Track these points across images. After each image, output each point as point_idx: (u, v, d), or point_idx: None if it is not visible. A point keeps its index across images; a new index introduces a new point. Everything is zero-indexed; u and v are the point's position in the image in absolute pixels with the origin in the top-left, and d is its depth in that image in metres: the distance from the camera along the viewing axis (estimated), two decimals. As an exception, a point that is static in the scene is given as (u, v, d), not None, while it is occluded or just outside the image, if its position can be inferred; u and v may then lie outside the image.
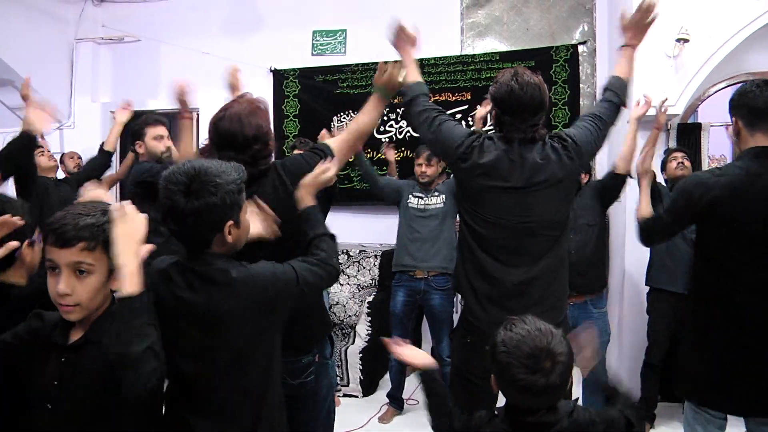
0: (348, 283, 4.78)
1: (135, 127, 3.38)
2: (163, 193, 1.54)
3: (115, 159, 5.77)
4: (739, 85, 4.37)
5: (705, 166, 4.21)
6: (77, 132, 5.70)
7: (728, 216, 2.05)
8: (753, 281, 2.04)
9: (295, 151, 3.97)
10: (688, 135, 4.21)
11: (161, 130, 3.33)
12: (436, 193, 3.91)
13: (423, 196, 3.92)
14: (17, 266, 1.75)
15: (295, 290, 1.65)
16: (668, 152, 3.79)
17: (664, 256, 3.66)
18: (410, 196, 3.96)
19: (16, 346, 1.44)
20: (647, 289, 3.81)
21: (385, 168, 5.17)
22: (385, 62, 2.29)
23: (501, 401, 2.15)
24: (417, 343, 5.05)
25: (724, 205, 2.04)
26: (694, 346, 2.20)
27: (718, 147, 6.48)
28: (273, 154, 2.13)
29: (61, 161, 4.83)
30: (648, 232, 2.37)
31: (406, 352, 1.84)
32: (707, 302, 2.15)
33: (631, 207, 3.96)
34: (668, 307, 3.59)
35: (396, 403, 4.07)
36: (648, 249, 3.72)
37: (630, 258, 4.04)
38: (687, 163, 3.66)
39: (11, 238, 1.70)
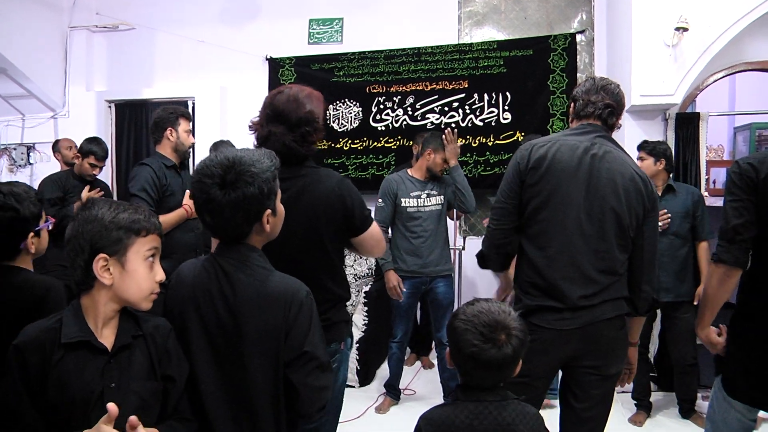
0: (344, 273, 4.76)
1: (167, 115, 3.28)
2: (198, 186, 1.50)
3: (111, 154, 5.76)
4: (738, 74, 4.38)
5: (703, 156, 4.19)
6: (71, 121, 5.65)
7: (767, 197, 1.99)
8: None
9: None
10: (687, 124, 4.19)
11: (190, 125, 3.35)
12: (434, 192, 3.83)
13: (420, 193, 3.82)
14: (23, 255, 1.80)
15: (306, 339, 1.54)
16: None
17: None
18: (405, 198, 3.83)
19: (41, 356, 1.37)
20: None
21: (381, 156, 5.17)
22: None
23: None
24: (428, 331, 4.99)
25: (767, 184, 1.98)
26: (736, 337, 2.15)
27: (716, 137, 6.47)
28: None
29: (57, 149, 4.79)
30: (735, 255, 2.08)
31: None
32: (750, 290, 2.11)
33: None
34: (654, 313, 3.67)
35: (393, 393, 4.06)
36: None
37: None
38: (638, 163, 3.68)
39: (16, 227, 1.74)
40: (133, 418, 1.28)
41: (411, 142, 4.59)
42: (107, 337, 1.41)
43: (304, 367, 1.52)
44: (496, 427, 1.52)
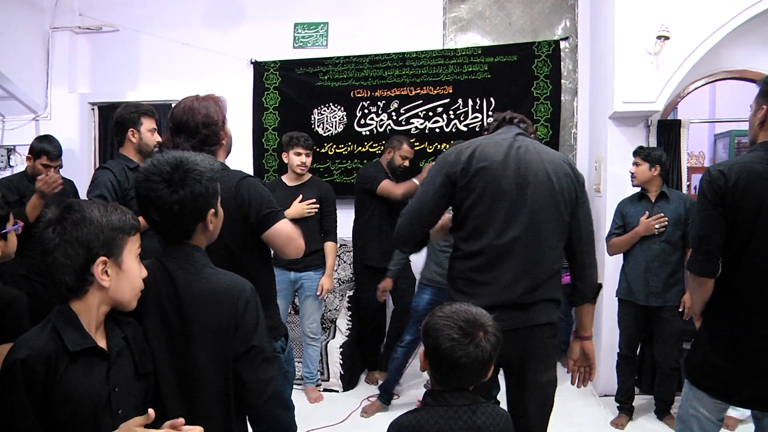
0: (329, 278, 4.75)
1: (128, 114, 3.09)
2: (144, 185, 1.54)
3: (95, 157, 5.71)
4: (717, 82, 4.44)
5: (684, 163, 4.24)
6: (54, 123, 5.57)
7: (736, 202, 2.02)
8: (751, 268, 2.04)
9: (292, 153, 3.98)
10: (668, 131, 4.25)
11: (154, 123, 3.17)
12: None
13: None
14: None
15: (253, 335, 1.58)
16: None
17: (625, 269, 3.78)
18: None
19: (49, 363, 1.33)
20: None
21: (365, 161, 5.17)
22: None
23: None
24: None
25: (736, 190, 2.01)
26: (704, 334, 2.21)
27: (696, 143, 6.56)
28: (226, 149, 2.26)
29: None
30: (702, 265, 2.13)
31: None
32: (723, 292, 2.15)
33: (608, 219, 4.05)
34: (630, 315, 3.75)
35: (384, 397, 4.05)
36: (618, 258, 3.86)
37: (609, 263, 4.14)
38: (633, 168, 3.72)
39: None
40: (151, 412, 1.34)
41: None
42: (100, 341, 1.41)
43: (252, 361, 1.57)
44: (466, 431, 1.53)
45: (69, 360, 1.33)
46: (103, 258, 1.37)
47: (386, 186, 4.25)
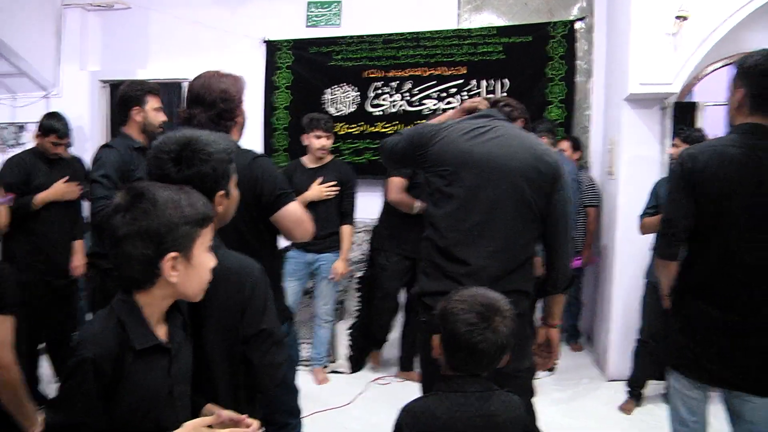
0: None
1: (132, 92, 3.00)
2: (153, 162, 1.52)
3: (106, 134, 5.70)
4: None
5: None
6: (64, 101, 5.55)
7: (703, 186, 2.01)
8: (719, 261, 2.03)
9: (312, 135, 3.92)
10: (685, 114, 4.17)
11: (159, 102, 3.09)
12: None
13: None
14: None
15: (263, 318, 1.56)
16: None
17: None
18: None
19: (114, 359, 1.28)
20: (640, 273, 3.82)
21: (377, 141, 5.12)
22: None
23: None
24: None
25: (704, 173, 2.00)
26: (672, 317, 2.22)
27: (712, 127, 6.46)
28: (240, 128, 2.25)
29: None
30: (663, 248, 2.17)
31: None
32: (680, 273, 2.17)
33: (621, 202, 4.00)
34: (653, 297, 3.65)
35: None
36: (640, 238, 3.78)
37: (622, 247, 4.14)
38: (671, 150, 3.63)
39: None
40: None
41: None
42: (161, 332, 1.36)
43: (262, 345, 1.55)
44: (478, 418, 1.52)
45: (133, 357, 1.29)
46: (173, 254, 1.29)
47: (391, 182, 3.93)
